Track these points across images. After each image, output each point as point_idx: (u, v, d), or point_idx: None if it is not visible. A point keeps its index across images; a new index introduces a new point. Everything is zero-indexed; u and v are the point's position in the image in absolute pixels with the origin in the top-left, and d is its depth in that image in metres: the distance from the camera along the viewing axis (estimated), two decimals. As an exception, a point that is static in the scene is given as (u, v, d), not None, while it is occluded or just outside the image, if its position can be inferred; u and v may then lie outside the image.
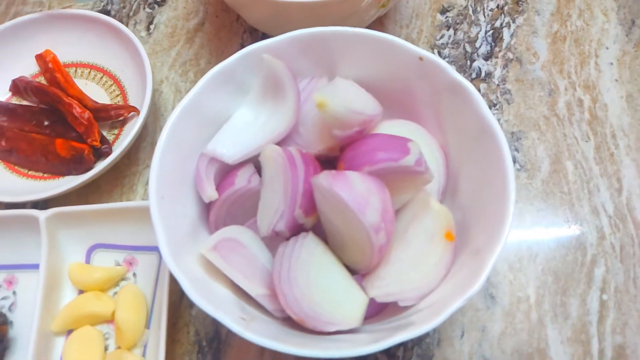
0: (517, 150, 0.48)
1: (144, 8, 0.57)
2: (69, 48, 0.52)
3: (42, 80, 0.52)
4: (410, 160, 0.35)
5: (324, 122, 0.37)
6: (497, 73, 0.51)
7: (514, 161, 0.47)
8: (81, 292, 0.42)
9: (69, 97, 0.47)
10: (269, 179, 0.37)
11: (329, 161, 0.40)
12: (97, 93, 0.51)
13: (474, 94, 0.37)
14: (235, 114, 0.41)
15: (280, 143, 0.39)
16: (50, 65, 0.50)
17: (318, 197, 0.35)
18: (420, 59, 0.39)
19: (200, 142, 0.39)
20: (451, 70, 0.38)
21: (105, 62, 0.52)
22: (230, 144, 0.39)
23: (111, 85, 0.51)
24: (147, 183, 0.48)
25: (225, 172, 0.40)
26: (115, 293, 0.42)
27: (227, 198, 0.38)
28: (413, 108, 0.42)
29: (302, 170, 0.36)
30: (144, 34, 0.55)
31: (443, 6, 0.55)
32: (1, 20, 0.57)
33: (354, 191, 0.33)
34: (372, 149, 0.36)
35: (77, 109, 0.46)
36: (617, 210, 0.45)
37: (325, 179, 0.34)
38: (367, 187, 0.34)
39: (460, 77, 0.37)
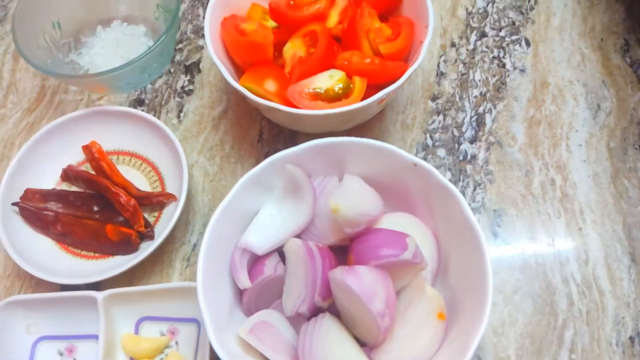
0: (498, 225, 0.56)
1: (174, 97, 0.65)
2: (112, 138, 0.60)
3: (88, 167, 0.60)
4: (408, 254, 0.43)
5: (337, 222, 0.46)
6: (481, 155, 0.60)
7: (496, 236, 0.56)
8: (132, 359, 0.50)
9: (116, 187, 0.55)
10: (292, 268, 0.45)
11: (340, 247, 0.48)
12: (138, 179, 0.59)
13: (459, 198, 0.45)
14: (262, 209, 0.49)
15: (300, 234, 0.48)
16: (96, 155, 0.58)
17: (333, 286, 0.43)
18: (415, 165, 0.47)
19: (234, 234, 0.48)
20: (440, 176, 0.46)
21: (143, 151, 0.60)
22: (259, 237, 0.47)
23: (150, 171, 0.59)
24: (183, 258, 0.56)
25: (255, 258, 0.48)
26: None
27: (258, 284, 0.46)
28: (409, 200, 0.50)
29: (319, 262, 0.44)
30: (175, 121, 0.63)
31: (433, 94, 0.63)
32: (47, 107, 0.66)
33: (363, 284, 0.41)
34: (377, 245, 0.44)
35: (123, 198, 0.55)
36: (584, 279, 0.53)
37: (339, 273, 0.42)
38: (373, 279, 0.42)
39: (447, 183, 0.46)
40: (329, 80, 0.53)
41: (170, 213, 0.56)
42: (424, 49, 0.53)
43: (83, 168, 0.60)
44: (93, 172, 0.59)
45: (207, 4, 0.69)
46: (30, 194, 0.56)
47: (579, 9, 0.68)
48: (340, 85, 0.52)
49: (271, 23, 0.59)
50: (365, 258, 0.44)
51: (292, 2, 0.57)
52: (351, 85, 0.53)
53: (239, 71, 0.58)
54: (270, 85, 0.54)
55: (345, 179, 0.48)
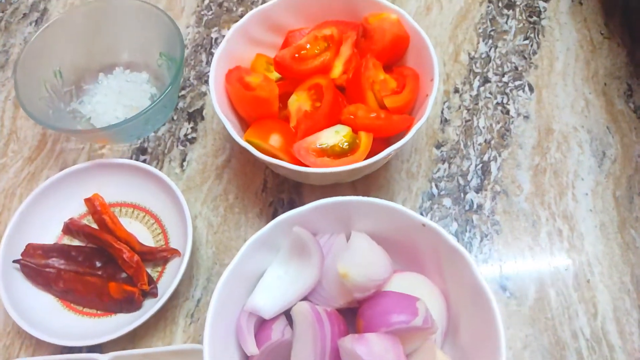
0: (507, 278, 0.55)
1: (177, 146, 0.64)
2: (114, 190, 0.59)
3: (90, 219, 0.59)
4: (418, 321, 0.43)
5: (345, 286, 0.45)
6: (487, 205, 0.59)
7: (505, 289, 0.55)
8: (137, 423, 0.49)
9: (118, 242, 0.55)
10: (300, 333, 0.44)
11: (349, 309, 0.47)
12: (141, 231, 0.58)
13: (468, 260, 0.45)
14: (268, 269, 0.48)
15: (307, 296, 0.47)
16: (98, 208, 0.58)
17: (343, 354, 0.43)
18: (423, 225, 0.47)
19: (240, 296, 0.47)
20: (449, 237, 0.45)
21: (146, 202, 0.59)
22: (266, 300, 0.46)
23: (153, 224, 0.58)
24: (187, 315, 0.55)
25: (262, 321, 0.47)
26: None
27: (265, 349, 0.45)
28: (418, 258, 0.49)
29: (328, 329, 0.43)
30: (178, 170, 0.63)
31: (438, 141, 0.63)
32: (48, 156, 0.65)
33: (373, 353, 0.41)
34: (387, 310, 0.44)
35: (126, 254, 0.54)
36: (594, 333, 0.53)
37: (349, 342, 0.41)
38: (384, 347, 0.41)
39: (456, 245, 0.45)
40: (335, 136, 0.52)
41: (174, 268, 0.55)
42: (429, 102, 0.52)
43: (85, 221, 0.59)
44: (95, 225, 0.58)
45: (210, 49, 0.70)
46: (31, 250, 0.55)
47: (581, 53, 0.68)
48: (347, 143, 0.52)
49: (275, 74, 0.59)
50: (375, 324, 0.43)
51: (297, 55, 0.56)
52: (357, 141, 0.53)
53: (244, 123, 0.58)
54: (276, 140, 0.53)
55: (354, 239, 0.47)
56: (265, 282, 0.48)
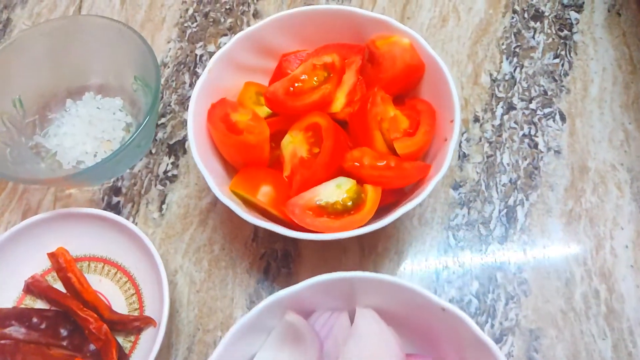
0: (536, 350, 0.48)
1: (156, 185, 0.56)
2: (82, 242, 0.52)
3: (54, 275, 0.51)
4: None
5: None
6: (513, 260, 0.51)
7: (534, 364, 0.47)
8: None
9: (85, 311, 0.47)
10: None
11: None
12: (112, 292, 0.50)
13: (497, 355, 0.37)
14: (257, 356, 0.41)
15: (303, 390, 0.39)
16: (63, 265, 0.50)
17: None
18: (443, 309, 0.39)
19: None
20: (475, 327, 0.38)
21: (118, 257, 0.51)
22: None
23: (125, 282, 0.51)
24: (165, 392, 0.48)
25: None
26: None
27: None
28: (434, 342, 0.41)
29: None
30: (156, 215, 0.55)
31: (455, 180, 0.55)
32: (9, 197, 0.57)
33: None
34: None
35: (93, 324, 0.46)
36: (639, 419, 0.45)
37: None
38: None
39: (483, 336, 0.37)
40: (337, 191, 0.44)
41: (150, 336, 0.47)
42: (449, 150, 0.44)
43: (49, 277, 0.51)
44: (60, 283, 0.50)
45: (194, 68, 0.61)
46: (-15, 317, 0.48)
47: (620, 75, 0.59)
48: (350, 202, 0.43)
49: (267, 109, 0.50)
50: None
51: (291, 89, 0.48)
52: (363, 196, 0.44)
53: (230, 168, 0.50)
54: (266, 193, 0.45)
55: (359, 320, 0.40)
56: (253, 374, 0.40)
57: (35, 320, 0.49)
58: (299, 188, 0.45)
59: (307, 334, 0.39)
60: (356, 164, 0.45)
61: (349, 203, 0.43)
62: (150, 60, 0.52)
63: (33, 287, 0.50)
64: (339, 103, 0.50)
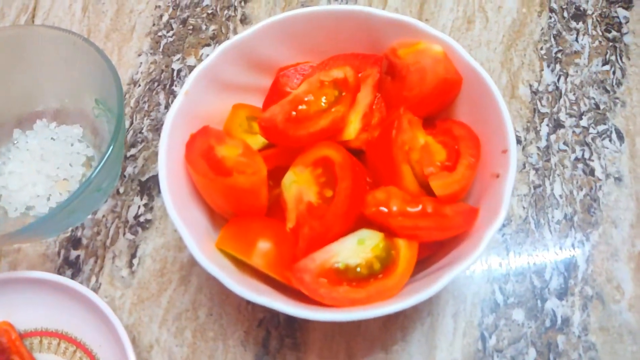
0: None
1: (124, 234, 0.45)
2: (31, 312, 0.41)
3: (-4, 355, 0.40)
4: None
5: None
6: (576, 319, 0.41)
7: None
8: None
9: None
10: None
11: None
12: (69, 378, 0.39)
13: None
14: None
15: None
16: (6, 345, 0.39)
17: None
18: None
19: None
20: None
21: (77, 331, 0.40)
22: None
23: (86, 363, 0.40)
24: None
25: None
26: None
27: None
28: None
29: None
30: (125, 272, 0.44)
31: (497, 218, 0.44)
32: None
33: None
34: None
35: None
36: None
37: None
38: None
39: None
40: (359, 248, 0.33)
41: None
42: (505, 190, 0.34)
43: (-12, 360, 0.40)
44: (2, 369, 0.39)
45: (170, 86, 0.51)
46: None
47: (683, 82, 0.49)
48: (378, 264, 0.33)
49: (261, 138, 0.39)
50: None
51: (294, 113, 0.37)
52: (392, 253, 0.34)
53: (217, 216, 0.39)
54: (264, 253, 0.34)
55: None
56: None
57: (-33, 422, 0.37)
58: (308, 245, 0.34)
59: None
60: (382, 209, 0.34)
61: (377, 265, 0.33)
62: (111, 80, 0.41)
63: (-36, 378, 0.38)
64: (352, 128, 0.39)
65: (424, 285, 0.32)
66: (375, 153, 0.38)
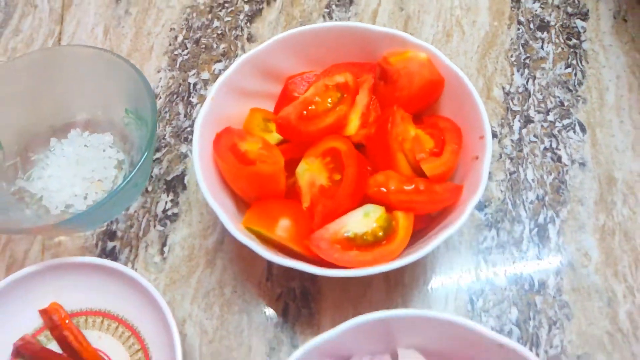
0: (588, 380, 0.44)
1: (155, 226, 0.51)
2: (77, 295, 0.46)
3: (48, 334, 0.45)
4: None
5: None
6: (551, 282, 0.48)
7: (588, 396, 0.43)
8: None
9: (85, 375, 0.41)
10: None
11: None
12: (115, 349, 0.45)
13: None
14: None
15: None
16: (57, 322, 0.44)
17: None
18: (500, 346, 0.34)
19: None
20: (538, 362, 0.33)
21: (119, 309, 0.46)
22: None
23: (129, 337, 0.45)
24: None
25: None
26: None
27: None
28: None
29: None
30: (157, 259, 0.50)
31: (480, 201, 0.51)
32: (-9, 247, 0.51)
33: None
34: None
35: (96, 390, 0.41)
36: None
37: None
38: None
39: (550, 373, 0.33)
40: (365, 220, 0.40)
41: (161, 399, 0.42)
42: (483, 169, 0.41)
43: (42, 337, 0.45)
44: (55, 343, 0.45)
45: (188, 98, 0.57)
46: (-32, 390, 0.42)
47: (635, 81, 0.57)
48: (381, 232, 0.39)
49: (276, 135, 0.46)
50: None
51: (305, 112, 0.44)
52: (393, 223, 0.40)
53: (240, 202, 0.45)
54: (285, 228, 0.41)
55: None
56: None
57: (27, 390, 0.43)
58: (322, 220, 0.40)
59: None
60: (382, 189, 0.41)
61: (380, 233, 0.39)
62: (143, 90, 0.47)
63: (24, 350, 0.44)
64: (353, 125, 0.46)
65: (419, 249, 0.39)
66: (374, 144, 0.45)
